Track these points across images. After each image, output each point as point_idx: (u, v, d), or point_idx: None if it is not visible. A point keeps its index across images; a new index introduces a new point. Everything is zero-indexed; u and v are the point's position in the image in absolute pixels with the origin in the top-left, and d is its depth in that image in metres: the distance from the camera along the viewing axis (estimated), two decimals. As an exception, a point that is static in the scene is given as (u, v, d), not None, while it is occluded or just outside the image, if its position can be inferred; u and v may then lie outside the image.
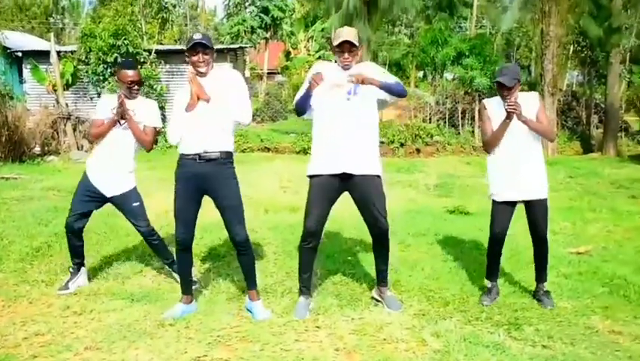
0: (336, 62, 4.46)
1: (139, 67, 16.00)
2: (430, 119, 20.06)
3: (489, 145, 4.73)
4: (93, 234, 6.65)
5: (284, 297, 4.82)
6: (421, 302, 4.72)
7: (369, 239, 4.68)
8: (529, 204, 4.70)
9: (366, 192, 4.37)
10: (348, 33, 4.28)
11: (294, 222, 7.13)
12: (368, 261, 5.69)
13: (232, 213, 4.29)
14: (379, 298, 4.71)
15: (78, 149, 14.89)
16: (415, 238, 6.76)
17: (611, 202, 9.58)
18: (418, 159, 17.06)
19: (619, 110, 19.65)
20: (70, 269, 5.06)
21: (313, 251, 4.52)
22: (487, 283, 4.92)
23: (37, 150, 13.97)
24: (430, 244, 6.56)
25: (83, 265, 5.10)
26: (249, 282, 4.50)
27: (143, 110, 4.88)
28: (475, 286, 5.13)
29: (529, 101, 4.61)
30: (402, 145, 17.90)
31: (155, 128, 4.94)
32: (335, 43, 4.28)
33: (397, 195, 10.03)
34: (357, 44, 4.27)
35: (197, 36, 4.14)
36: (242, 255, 4.42)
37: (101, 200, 4.94)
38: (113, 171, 4.85)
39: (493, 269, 4.90)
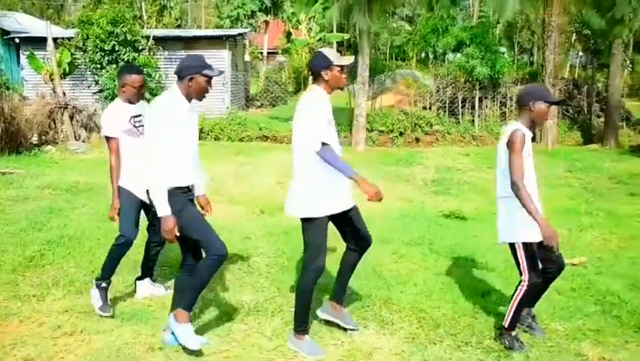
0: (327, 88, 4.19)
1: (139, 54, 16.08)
2: (430, 107, 19.94)
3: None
4: (86, 240, 6.67)
5: (274, 317, 4.80)
6: (411, 324, 4.71)
7: (340, 250, 4.62)
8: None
9: (355, 215, 4.36)
10: (350, 58, 4.25)
11: (289, 228, 7.09)
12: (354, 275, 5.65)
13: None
14: (333, 318, 4.55)
15: (75, 139, 14.82)
16: (409, 247, 6.74)
17: (608, 202, 9.58)
18: (417, 149, 16.99)
19: (620, 99, 19.50)
20: (104, 284, 4.89)
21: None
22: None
23: (35, 139, 13.91)
24: (423, 254, 6.53)
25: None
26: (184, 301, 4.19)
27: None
28: (467, 303, 5.13)
29: None
30: (401, 134, 17.83)
31: None
32: (343, 62, 4.11)
33: (394, 192, 10.00)
34: None
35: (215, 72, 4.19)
36: (187, 275, 4.20)
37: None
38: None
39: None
